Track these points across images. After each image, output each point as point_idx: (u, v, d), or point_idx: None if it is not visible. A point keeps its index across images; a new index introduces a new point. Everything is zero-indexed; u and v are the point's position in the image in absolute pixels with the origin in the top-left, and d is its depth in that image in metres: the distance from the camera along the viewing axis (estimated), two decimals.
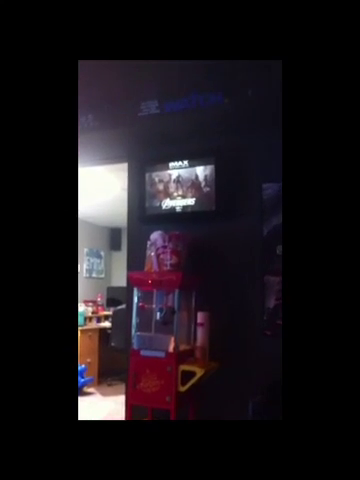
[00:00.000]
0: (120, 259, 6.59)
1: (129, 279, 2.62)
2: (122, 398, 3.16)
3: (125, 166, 3.00)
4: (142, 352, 2.38)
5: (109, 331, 5.23)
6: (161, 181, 2.73)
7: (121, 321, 4.37)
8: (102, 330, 5.42)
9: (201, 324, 2.42)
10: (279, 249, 2.48)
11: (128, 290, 2.76)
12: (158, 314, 2.43)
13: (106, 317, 5.80)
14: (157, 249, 2.44)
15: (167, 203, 2.71)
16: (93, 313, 5.72)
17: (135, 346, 2.43)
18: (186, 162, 2.65)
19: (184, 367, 2.29)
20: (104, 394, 4.80)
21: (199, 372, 2.25)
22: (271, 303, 2.50)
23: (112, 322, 5.15)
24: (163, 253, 2.41)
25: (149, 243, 2.51)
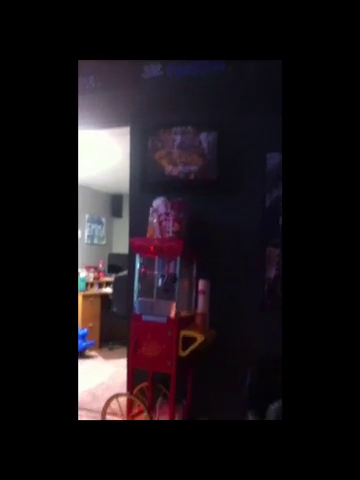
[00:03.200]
0: (121, 226, 6.59)
1: (131, 245, 2.62)
2: (123, 362, 3.25)
3: (128, 131, 2.94)
4: (144, 317, 2.42)
5: (110, 297, 5.30)
6: (164, 146, 2.68)
7: (122, 287, 4.42)
8: (103, 296, 5.49)
9: (202, 292, 2.44)
10: (281, 220, 2.47)
11: (130, 256, 2.77)
12: (160, 281, 2.45)
13: (107, 283, 5.86)
14: (159, 216, 2.43)
15: (170, 169, 2.68)
16: (95, 279, 5.78)
17: (137, 311, 2.46)
18: (190, 127, 2.60)
19: (185, 333, 2.32)
20: (106, 358, 4.91)
21: (199, 338, 2.28)
22: (272, 274, 2.51)
23: (113, 288, 5.20)
24: (165, 220, 2.40)
25: (151, 210, 2.50)
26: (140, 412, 2.47)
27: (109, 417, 2.52)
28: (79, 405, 3.16)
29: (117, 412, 2.50)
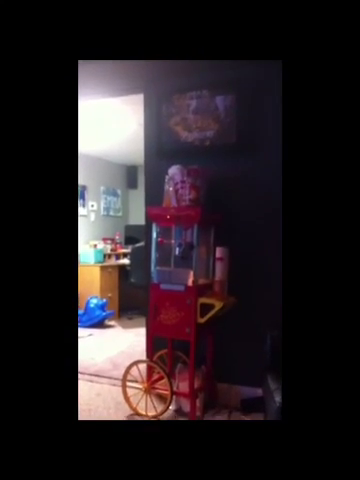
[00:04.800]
0: (137, 197, 6.57)
1: (148, 214, 2.61)
2: (142, 330, 3.30)
3: (141, 99, 2.88)
4: (162, 286, 2.43)
5: (128, 268, 5.35)
6: (178, 112, 2.62)
7: (139, 258, 4.45)
8: (121, 267, 5.54)
9: (220, 259, 2.42)
10: None
11: (147, 226, 2.76)
12: (177, 249, 2.44)
13: (124, 255, 5.90)
14: (175, 184, 2.40)
15: (185, 136, 2.62)
16: (112, 251, 5.82)
17: (155, 280, 2.47)
18: (205, 91, 2.52)
19: (203, 300, 2.33)
20: (125, 327, 5.00)
21: (218, 305, 2.29)
22: None
23: (130, 259, 5.24)
24: (182, 188, 2.37)
25: (167, 178, 2.46)
26: (160, 378, 2.51)
27: (130, 384, 2.58)
28: (99, 373, 3.24)
29: (138, 379, 2.55)
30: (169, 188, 2.44)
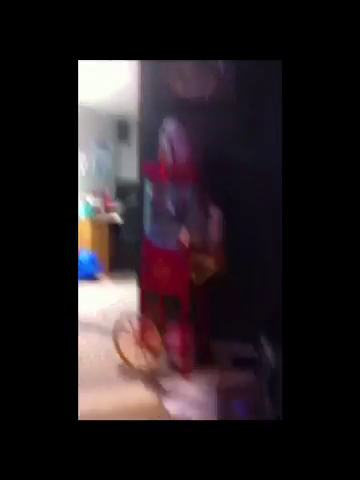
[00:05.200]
0: (129, 152, 6.43)
1: (142, 170, 2.57)
2: (133, 286, 3.34)
3: None
4: (155, 243, 2.43)
5: (119, 223, 5.33)
6: (177, 65, 2.52)
7: (131, 214, 4.44)
8: (112, 222, 5.52)
9: (214, 218, 2.42)
10: None
11: (140, 182, 2.73)
12: (171, 207, 2.43)
13: (116, 210, 5.86)
14: (171, 140, 2.34)
15: (183, 90, 2.53)
16: (103, 205, 5.77)
17: (148, 237, 2.47)
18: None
19: (196, 258, 2.35)
20: (116, 282, 5.06)
21: (210, 263, 2.32)
22: None
23: (122, 215, 5.21)
24: (177, 143, 2.32)
25: (162, 132, 2.40)
26: (151, 332, 2.58)
27: (121, 334, 2.64)
28: (90, 324, 3.31)
29: (129, 331, 2.61)
30: (164, 143, 2.39)
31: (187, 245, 2.34)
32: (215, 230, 2.42)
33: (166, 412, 1.51)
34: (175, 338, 2.53)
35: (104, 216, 5.63)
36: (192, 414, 2.06)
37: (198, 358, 2.64)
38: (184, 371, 2.46)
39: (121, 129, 6.67)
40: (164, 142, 2.39)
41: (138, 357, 2.55)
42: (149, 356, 2.60)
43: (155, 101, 2.65)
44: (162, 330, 2.57)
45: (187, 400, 2.20)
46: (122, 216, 5.18)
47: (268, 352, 1.75)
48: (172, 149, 2.35)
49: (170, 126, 2.36)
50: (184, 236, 2.36)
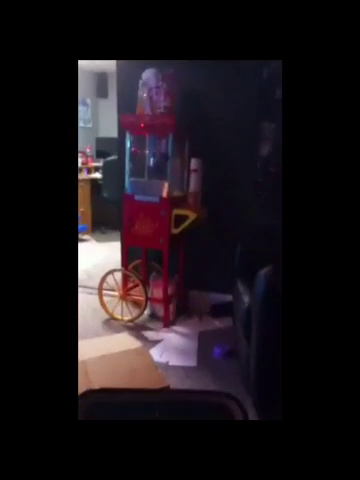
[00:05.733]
0: (108, 108, 6.24)
1: (121, 123, 2.51)
2: (116, 244, 3.34)
3: None
4: (136, 197, 2.42)
5: (100, 182, 5.26)
6: None
7: (112, 172, 4.36)
8: (93, 181, 5.44)
9: (194, 170, 2.41)
10: (279, 93, 2.34)
11: (120, 135, 2.67)
12: (151, 160, 2.41)
13: (96, 168, 5.76)
14: (150, 90, 2.28)
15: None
16: (83, 164, 5.67)
17: (129, 192, 2.45)
18: None
19: (177, 211, 2.36)
20: (99, 240, 5.06)
21: (191, 216, 2.33)
22: (265, 151, 2.47)
23: (103, 173, 5.13)
24: (156, 94, 2.27)
25: (141, 83, 2.34)
26: (135, 286, 2.62)
27: (106, 292, 2.68)
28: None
29: (114, 287, 2.65)
30: (143, 94, 2.33)
31: (168, 198, 2.34)
32: (194, 181, 2.41)
33: (150, 356, 1.57)
34: (158, 290, 2.58)
35: (85, 175, 5.55)
36: (175, 360, 2.14)
37: (178, 308, 2.71)
38: (166, 321, 2.53)
39: (99, 83, 6.45)
40: (142, 93, 2.33)
41: (124, 312, 2.60)
42: (133, 310, 2.66)
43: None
44: (145, 284, 2.61)
45: (170, 348, 2.28)
46: (103, 174, 5.10)
47: (244, 295, 1.80)
48: (151, 100, 2.29)
49: (148, 75, 2.29)
50: (165, 189, 2.35)
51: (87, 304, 2.88)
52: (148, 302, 2.55)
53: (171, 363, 2.14)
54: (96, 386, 1.36)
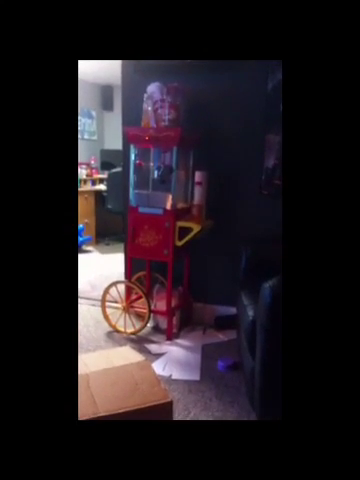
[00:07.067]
0: (113, 120, 6.31)
1: (125, 135, 2.53)
2: (120, 256, 3.34)
3: None
4: (140, 209, 2.43)
5: (104, 194, 5.28)
6: None
7: (116, 184, 4.38)
8: (98, 192, 5.47)
9: (199, 183, 2.42)
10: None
11: (124, 148, 2.69)
12: (155, 172, 2.41)
13: (101, 180, 5.79)
14: (154, 103, 2.30)
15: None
16: (87, 176, 5.70)
17: (133, 204, 2.46)
18: None
19: (181, 223, 2.36)
20: (102, 252, 5.06)
21: (196, 228, 2.33)
22: (270, 163, 2.47)
23: (107, 185, 5.15)
24: (161, 107, 2.28)
25: (146, 96, 2.36)
26: (138, 298, 2.61)
27: (109, 304, 2.66)
28: (79, 294, 3.32)
29: (117, 299, 2.64)
30: (148, 107, 2.35)
31: (172, 210, 2.34)
32: (198, 194, 2.42)
33: (153, 370, 1.55)
34: (161, 302, 2.56)
35: (90, 187, 5.57)
36: (178, 374, 2.11)
37: (182, 320, 2.69)
38: (170, 333, 2.51)
39: (105, 96, 6.52)
40: (147, 106, 2.35)
41: (127, 324, 2.59)
42: (136, 322, 2.64)
43: (137, 64, 2.59)
44: (149, 296, 2.60)
45: (173, 361, 2.25)
46: (107, 186, 5.12)
47: (249, 308, 1.78)
48: (155, 113, 2.31)
49: (153, 89, 2.31)
50: (169, 201, 2.35)
51: (90, 315, 2.87)
52: (151, 314, 2.54)
53: (174, 376, 2.11)
54: (98, 399, 1.34)
